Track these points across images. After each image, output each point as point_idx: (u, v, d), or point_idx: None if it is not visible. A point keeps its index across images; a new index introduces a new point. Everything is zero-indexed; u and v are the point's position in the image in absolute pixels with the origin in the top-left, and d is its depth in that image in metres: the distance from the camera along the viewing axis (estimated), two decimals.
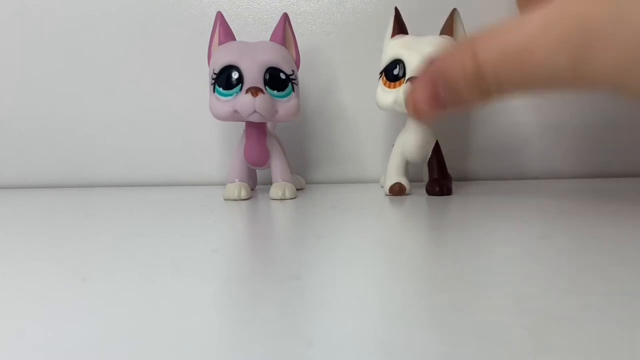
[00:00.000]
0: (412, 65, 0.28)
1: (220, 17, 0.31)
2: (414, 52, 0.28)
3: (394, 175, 0.31)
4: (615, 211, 0.24)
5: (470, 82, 0.18)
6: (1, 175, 0.41)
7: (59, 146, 0.41)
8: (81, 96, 0.41)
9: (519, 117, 0.40)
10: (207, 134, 0.40)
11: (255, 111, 0.28)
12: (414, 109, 0.20)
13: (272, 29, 0.32)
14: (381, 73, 0.29)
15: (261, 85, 0.29)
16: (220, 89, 0.29)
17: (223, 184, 0.32)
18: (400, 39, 0.29)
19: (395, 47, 0.29)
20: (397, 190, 0.30)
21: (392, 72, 0.29)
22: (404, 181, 0.30)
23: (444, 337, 0.10)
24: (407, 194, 0.30)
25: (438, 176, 0.30)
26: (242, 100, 0.28)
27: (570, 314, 0.11)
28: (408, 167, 0.31)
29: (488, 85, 0.18)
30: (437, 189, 0.30)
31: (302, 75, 0.34)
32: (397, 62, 0.29)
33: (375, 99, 0.30)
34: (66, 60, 0.40)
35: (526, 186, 0.35)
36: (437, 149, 0.31)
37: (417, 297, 0.13)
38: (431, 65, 0.19)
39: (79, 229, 0.23)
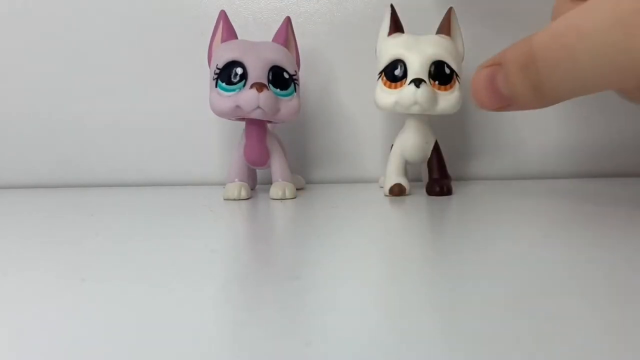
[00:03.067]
0: (414, 66, 0.28)
1: (223, 16, 0.31)
2: (415, 53, 0.28)
3: (393, 176, 0.30)
4: (615, 211, 0.24)
5: (521, 65, 0.19)
6: (1, 175, 0.41)
7: (59, 146, 0.41)
8: (81, 96, 0.41)
9: (519, 116, 0.40)
10: (207, 134, 0.40)
11: (258, 107, 0.28)
12: (475, 97, 0.22)
13: (272, 29, 0.32)
14: (380, 73, 0.29)
15: (265, 82, 0.29)
16: (223, 84, 0.29)
17: (223, 184, 0.32)
18: (399, 37, 0.29)
19: (394, 47, 0.29)
20: (397, 191, 0.30)
21: (393, 73, 0.28)
22: (403, 182, 0.30)
23: (445, 337, 0.10)
24: (407, 195, 0.30)
25: (438, 176, 0.30)
26: (246, 95, 0.28)
27: (571, 314, 0.11)
28: (407, 167, 0.31)
29: (537, 69, 0.18)
30: (438, 188, 0.30)
31: (302, 75, 0.34)
32: (397, 62, 0.28)
33: (374, 99, 0.29)
34: (66, 60, 0.40)
35: (526, 186, 0.35)
36: (436, 148, 0.30)
37: (418, 297, 0.13)
38: (494, 57, 0.21)
39: (78, 229, 0.23)
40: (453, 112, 0.29)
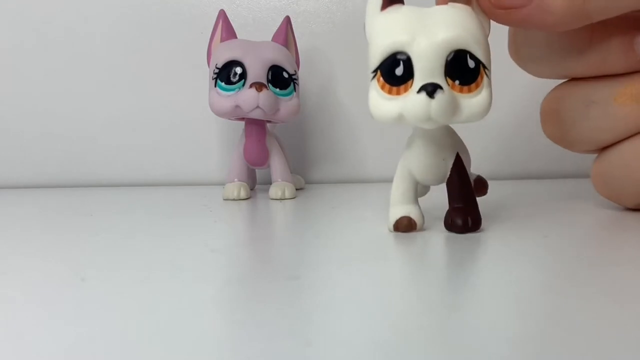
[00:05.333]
0: (424, 60, 0.18)
1: (223, 15, 0.31)
2: (422, 39, 0.18)
3: (399, 204, 0.21)
4: (615, 211, 0.24)
5: None
6: (1, 175, 0.41)
7: (58, 146, 0.41)
8: (81, 96, 0.40)
9: (519, 116, 0.40)
10: (207, 134, 0.40)
11: (258, 106, 0.28)
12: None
13: (272, 29, 0.32)
14: (375, 71, 0.19)
15: (265, 82, 0.29)
16: (223, 83, 0.29)
17: (223, 184, 0.32)
18: (397, 14, 0.19)
19: (391, 31, 0.18)
20: (404, 227, 0.20)
21: (394, 72, 0.18)
22: (414, 213, 0.20)
23: (444, 338, 0.10)
24: (420, 230, 0.20)
25: (461, 204, 0.20)
26: (246, 95, 0.28)
27: (570, 314, 0.11)
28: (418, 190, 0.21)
29: None
30: (460, 222, 0.20)
31: (301, 74, 0.34)
32: (398, 56, 0.18)
33: (369, 108, 0.20)
34: (65, 59, 0.40)
35: (526, 186, 0.35)
36: (457, 165, 0.20)
37: (417, 297, 0.13)
38: None
39: (78, 229, 0.23)
40: (481, 119, 0.19)
